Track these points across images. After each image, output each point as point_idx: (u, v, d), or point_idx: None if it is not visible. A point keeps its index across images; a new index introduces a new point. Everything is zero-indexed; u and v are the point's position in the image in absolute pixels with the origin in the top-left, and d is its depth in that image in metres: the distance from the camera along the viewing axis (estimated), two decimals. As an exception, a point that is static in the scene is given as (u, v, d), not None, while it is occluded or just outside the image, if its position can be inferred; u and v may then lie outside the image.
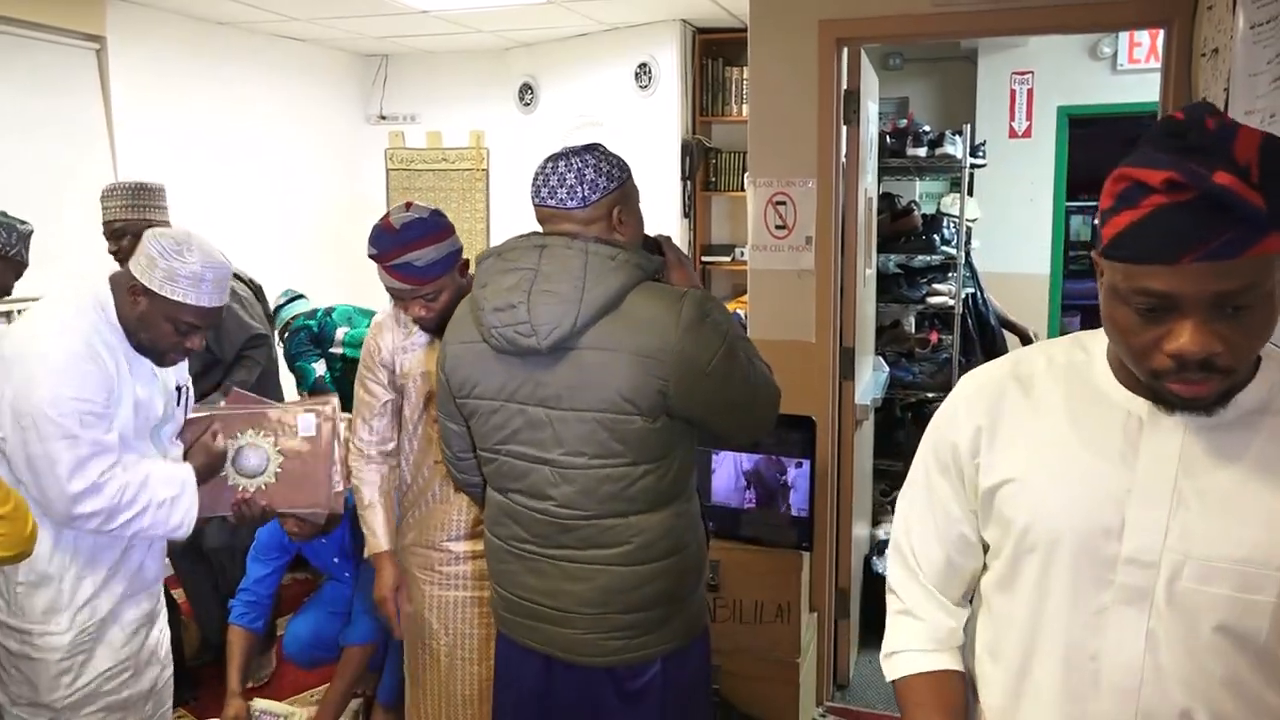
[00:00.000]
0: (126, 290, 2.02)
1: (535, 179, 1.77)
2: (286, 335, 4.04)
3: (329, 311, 4.08)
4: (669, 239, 1.93)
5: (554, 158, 1.76)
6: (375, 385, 2.35)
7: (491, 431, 1.79)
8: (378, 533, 2.36)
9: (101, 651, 2.08)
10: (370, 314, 4.04)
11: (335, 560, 2.97)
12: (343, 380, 3.93)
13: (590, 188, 1.72)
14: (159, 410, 2.13)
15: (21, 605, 2.00)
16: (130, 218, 3.05)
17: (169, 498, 2.03)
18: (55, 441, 1.90)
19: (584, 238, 1.70)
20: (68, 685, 2.03)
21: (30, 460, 1.92)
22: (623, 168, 1.78)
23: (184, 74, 4.61)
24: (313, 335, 3.99)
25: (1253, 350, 1.00)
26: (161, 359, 2.11)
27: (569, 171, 1.73)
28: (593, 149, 1.77)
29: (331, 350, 3.94)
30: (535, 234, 1.77)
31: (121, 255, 3.03)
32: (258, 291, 3.48)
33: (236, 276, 3.20)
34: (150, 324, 2.02)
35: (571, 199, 1.72)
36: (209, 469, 2.15)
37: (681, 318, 1.66)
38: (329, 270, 5.56)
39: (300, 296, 4.20)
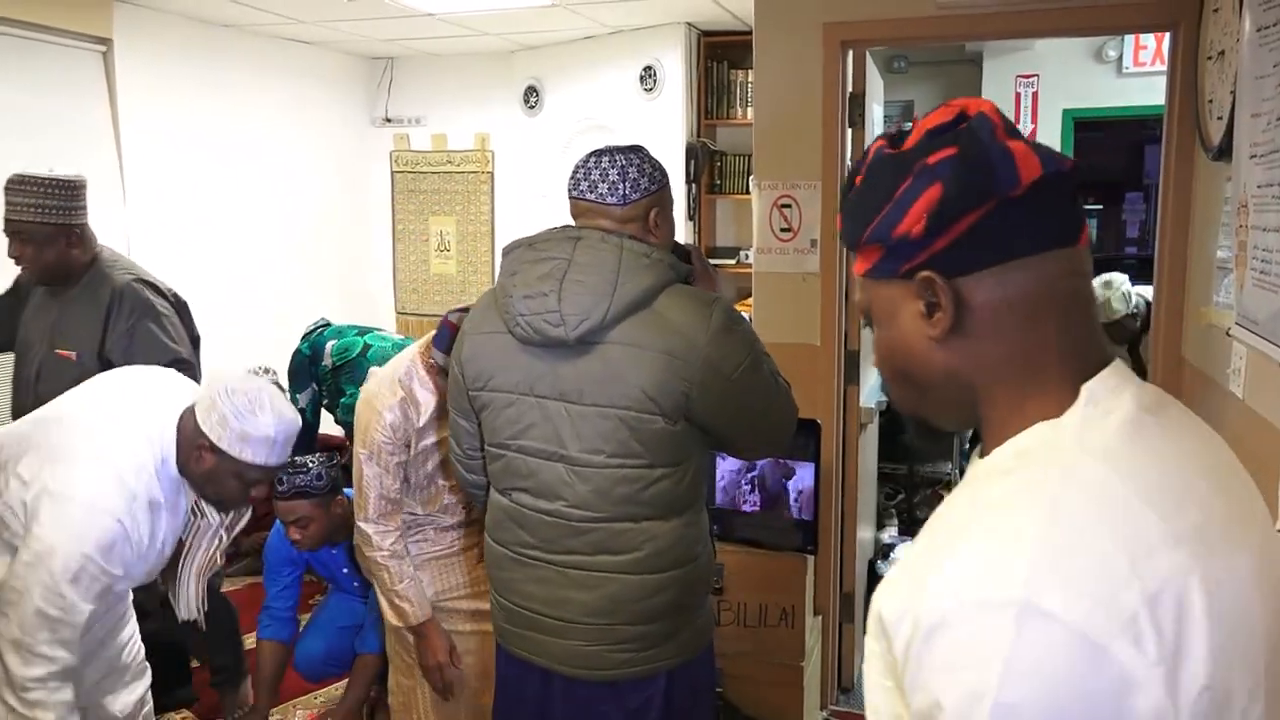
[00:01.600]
0: (194, 446, 2.00)
1: (576, 172, 1.77)
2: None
3: (321, 331, 4.12)
4: (697, 249, 1.93)
5: (598, 153, 1.76)
6: (390, 457, 2.24)
7: (504, 425, 1.77)
8: (415, 602, 2.26)
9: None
10: (353, 330, 4.08)
11: (344, 571, 2.97)
12: (332, 389, 3.98)
13: (632, 186, 1.72)
14: (172, 544, 2.13)
15: None
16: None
17: None
18: (48, 589, 1.85)
19: (619, 234, 1.70)
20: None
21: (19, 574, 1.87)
22: (664, 173, 1.80)
23: (190, 76, 4.62)
24: (307, 359, 4.02)
25: (883, 368, 0.91)
26: (226, 509, 2.14)
27: (612, 168, 1.73)
28: (637, 149, 1.78)
29: (323, 364, 3.97)
30: (569, 226, 1.76)
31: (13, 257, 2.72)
32: (182, 309, 2.92)
33: (158, 291, 2.83)
34: (217, 481, 2.03)
35: (612, 195, 1.72)
36: None
37: (712, 323, 1.66)
38: (332, 272, 5.57)
39: (326, 325, 4.21)
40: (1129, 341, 4.15)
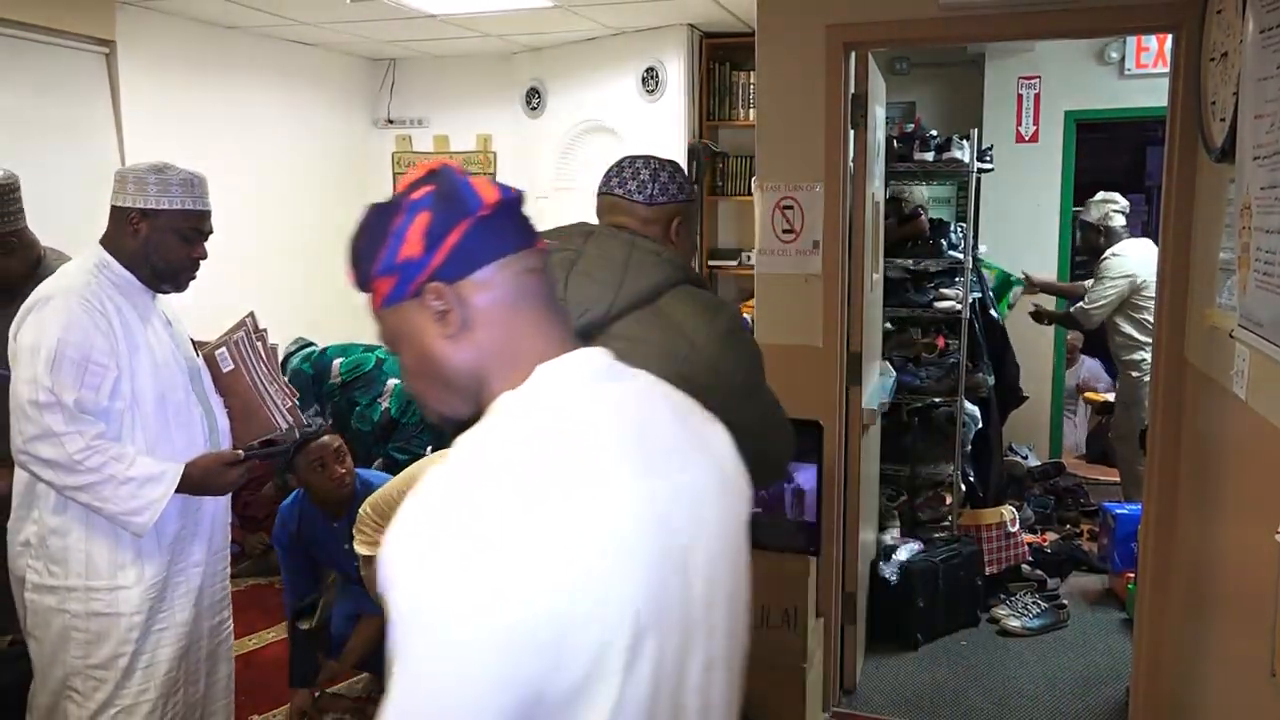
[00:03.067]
0: (125, 226, 2.12)
1: (609, 171, 1.81)
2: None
3: (322, 351, 4.15)
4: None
5: (633, 156, 1.81)
6: None
7: None
8: None
9: (164, 618, 2.18)
10: (359, 347, 4.11)
11: (346, 547, 2.97)
12: (341, 405, 4.00)
13: (660, 190, 1.76)
14: (183, 361, 2.23)
15: (91, 563, 2.09)
16: None
17: (140, 477, 2.04)
18: (31, 382, 1.99)
19: (633, 233, 1.71)
20: (136, 642, 2.12)
21: (12, 393, 2.02)
22: (693, 188, 1.84)
23: (192, 78, 4.62)
24: (310, 378, 4.05)
25: (417, 381, 1.06)
26: (179, 279, 2.20)
27: (645, 169, 1.77)
28: (672, 162, 1.83)
29: (331, 382, 4.00)
30: (585, 223, 1.78)
31: None
32: None
33: None
34: (157, 244, 2.12)
35: (640, 193, 1.75)
36: (203, 485, 2.17)
37: (716, 325, 1.65)
38: (334, 273, 5.56)
39: (310, 345, 4.24)
40: (1092, 252, 4.81)
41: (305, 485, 3.00)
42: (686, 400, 1.12)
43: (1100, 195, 4.82)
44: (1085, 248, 4.99)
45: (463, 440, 0.93)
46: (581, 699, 0.86)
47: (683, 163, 4.91)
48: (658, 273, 1.66)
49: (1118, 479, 5.23)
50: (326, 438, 2.77)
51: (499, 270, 1.00)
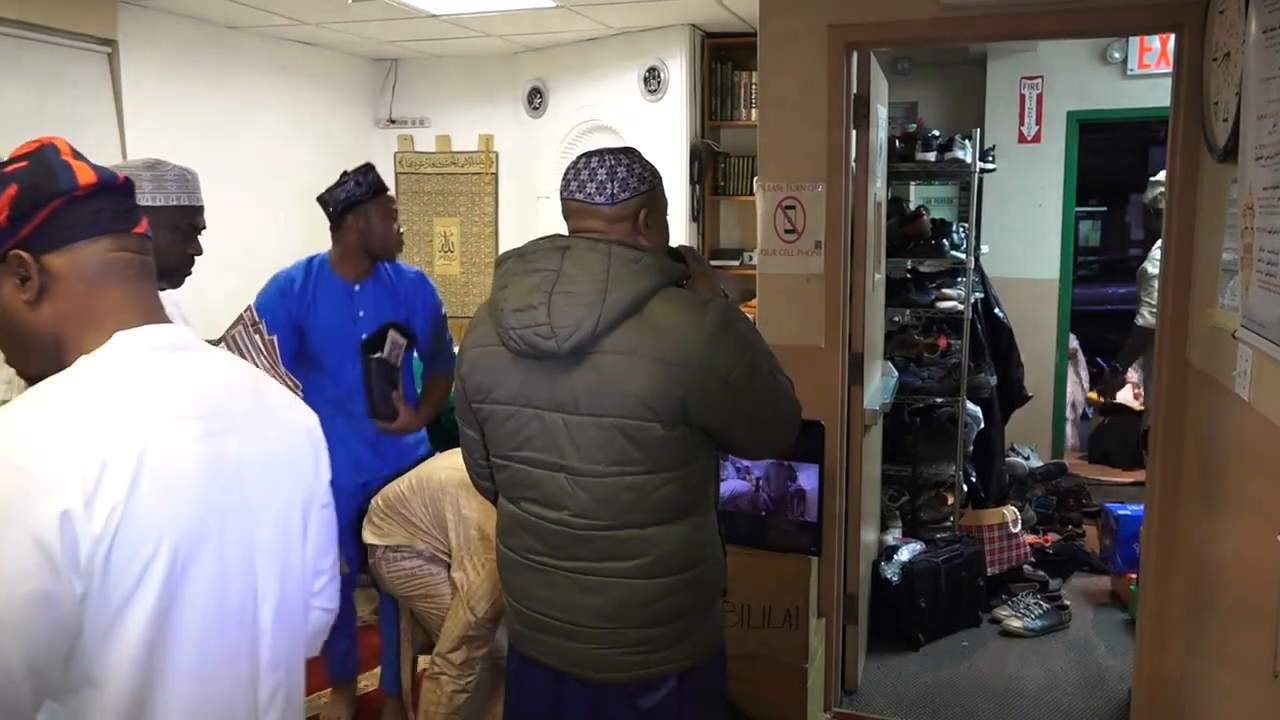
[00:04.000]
0: None
1: (566, 174, 1.77)
2: None
3: None
4: (692, 249, 1.91)
5: (588, 154, 1.76)
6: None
7: (505, 438, 1.76)
8: None
9: None
10: None
11: (361, 314, 2.95)
12: None
13: (620, 186, 1.71)
14: None
15: None
16: None
17: None
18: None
19: (608, 238, 1.69)
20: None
21: None
22: (655, 174, 1.79)
23: (194, 78, 4.63)
24: None
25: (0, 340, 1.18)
26: (174, 277, 2.22)
27: (601, 168, 1.72)
28: (628, 151, 1.77)
29: None
30: (558, 235, 1.75)
31: None
32: None
33: None
34: (155, 240, 2.15)
35: (600, 195, 1.71)
36: None
37: (705, 326, 1.64)
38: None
39: None
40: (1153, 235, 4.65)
41: (366, 232, 2.97)
42: (264, 379, 1.28)
43: (1161, 174, 4.52)
44: (1155, 235, 4.94)
45: (32, 389, 1.06)
46: (127, 616, 1.01)
47: (685, 163, 4.91)
48: (639, 281, 1.64)
49: (1118, 480, 5.23)
50: (392, 193, 2.90)
51: (86, 247, 1.12)
